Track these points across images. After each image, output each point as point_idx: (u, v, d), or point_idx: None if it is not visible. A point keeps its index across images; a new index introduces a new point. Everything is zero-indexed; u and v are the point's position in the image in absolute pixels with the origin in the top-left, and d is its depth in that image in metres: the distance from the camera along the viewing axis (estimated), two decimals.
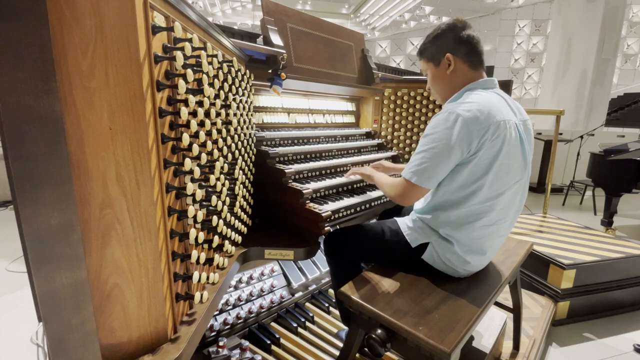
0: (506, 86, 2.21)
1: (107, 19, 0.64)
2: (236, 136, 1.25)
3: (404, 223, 1.29)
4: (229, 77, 1.17)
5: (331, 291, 1.99)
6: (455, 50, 1.19)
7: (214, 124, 0.98)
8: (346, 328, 1.68)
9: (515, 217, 1.25)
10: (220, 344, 1.45)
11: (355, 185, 1.81)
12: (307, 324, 1.73)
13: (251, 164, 1.51)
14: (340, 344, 1.60)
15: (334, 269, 1.45)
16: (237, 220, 1.28)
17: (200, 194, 0.84)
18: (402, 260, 1.27)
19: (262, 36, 1.67)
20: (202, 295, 0.92)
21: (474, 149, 1.07)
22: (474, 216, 1.15)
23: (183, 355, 0.79)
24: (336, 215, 1.50)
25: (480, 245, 1.19)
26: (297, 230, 1.46)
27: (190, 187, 0.81)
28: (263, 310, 1.71)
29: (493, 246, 1.24)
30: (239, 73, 1.29)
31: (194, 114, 0.86)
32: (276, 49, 1.60)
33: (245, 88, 1.41)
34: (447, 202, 1.17)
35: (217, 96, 1.05)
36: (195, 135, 0.85)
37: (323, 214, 1.34)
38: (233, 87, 1.22)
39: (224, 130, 1.06)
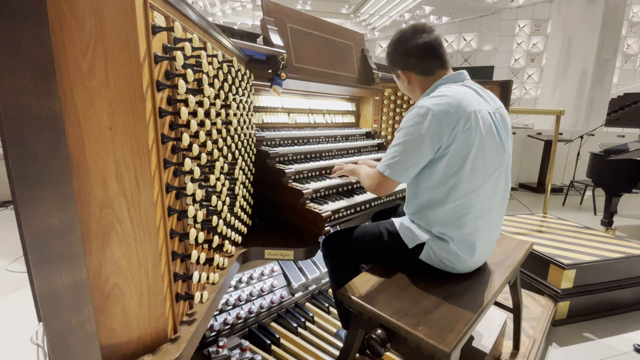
0: (506, 86, 2.22)
1: (107, 19, 0.64)
2: (236, 136, 1.25)
3: (400, 224, 1.29)
4: (229, 77, 1.17)
5: (331, 291, 1.99)
6: (406, 65, 1.24)
7: (214, 124, 0.98)
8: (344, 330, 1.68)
9: (503, 205, 1.26)
10: (220, 344, 1.45)
11: (355, 185, 1.81)
12: (307, 324, 1.73)
13: (251, 164, 1.51)
14: (340, 344, 1.60)
15: (333, 271, 1.45)
16: (237, 220, 1.28)
17: (200, 194, 0.84)
18: (400, 260, 1.27)
19: (262, 36, 1.68)
20: (202, 295, 0.92)
21: (445, 142, 1.08)
22: (461, 211, 1.15)
23: (183, 355, 0.78)
24: (336, 215, 1.50)
25: (474, 239, 1.18)
26: (297, 230, 1.46)
27: (190, 187, 0.81)
28: (263, 310, 1.71)
29: (488, 238, 1.23)
30: (239, 73, 1.29)
31: (194, 114, 0.86)
32: (276, 49, 1.60)
33: (245, 88, 1.41)
34: (432, 200, 1.17)
35: (217, 96, 1.05)
36: (195, 135, 0.85)
37: (323, 214, 1.34)
38: (233, 87, 1.22)
39: (224, 130, 1.06)
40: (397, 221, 1.32)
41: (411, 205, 1.28)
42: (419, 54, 1.20)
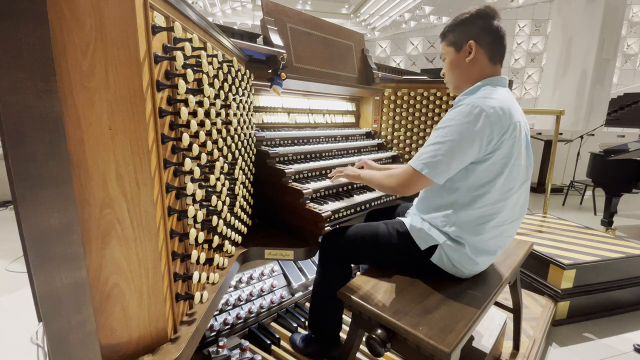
0: None
1: (107, 19, 0.64)
2: (236, 136, 1.25)
3: (411, 224, 1.26)
4: (229, 77, 1.17)
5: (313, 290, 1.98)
6: (480, 39, 1.15)
7: (214, 124, 0.98)
8: (302, 333, 1.60)
9: (521, 217, 1.24)
10: (220, 344, 1.44)
11: (355, 185, 1.81)
12: (308, 324, 1.73)
13: (251, 164, 1.51)
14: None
15: (326, 269, 1.39)
16: (237, 220, 1.28)
17: (200, 194, 0.84)
18: (408, 261, 1.25)
19: (262, 36, 1.68)
20: (202, 295, 0.92)
21: (491, 147, 1.05)
22: (484, 217, 1.13)
23: (183, 355, 0.79)
24: (336, 215, 1.50)
25: (491, 247, 1.18)
26: (297, 230, 1.46)
27: (190, 187, 0.81)
28: (263, 310, 1.71)
29: (501, 247, 1.23)
30: (239, 73, 1.29)
31: (194, 114, 0.86)
32: (276, 49, 1.60)
33: (245, 88, 1.41)
34: (457, 202, 1.15)
35: (217, 96, 1.05)
36: (195, 135, 0.85)
37: (323, 214, 1.34)
38: (233, 87, 1.22)
39: (224, 130, 1.06)
40: (407, 221, 1.29)
41: (428, 205, 1.24)
42: (495, 36, 1.14)
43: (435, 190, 1.21)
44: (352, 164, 1.86)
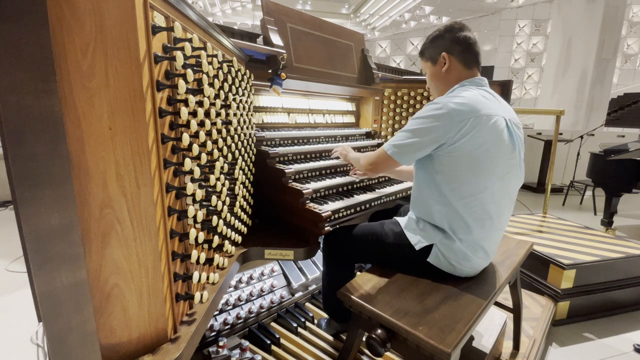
0: (506, 86, 2.22)
1: (107, 19, 0.64)
2: (236, 136, 1.25)
3: (406, 224, 1.30)
4: (229, 77, 1.17)
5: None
6: (451, 50, 1.27)
7: (214, 124, 0.98)
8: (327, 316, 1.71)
9: (510, 210, 1.27)
10: (220, 344, 1.44)
11: (355, 185, 1.81)
12: (307, 324, 1.73)
13: (251, 164, 1.51)
14: (327, 336, 1.63)
15: (330, 268, 1.45)
16: (237, 220, 1.28)
17: (200, 194, 0.84)
18: (405, 261, 1.27)
19: (262, 36, 1.68)
20: (202, 295, 0.92)
21: (452, 138, 1.12)
22: (470, 210, 1.16)
23: (183, 355, 0.79)
24: (336, 215, 1.50)
25: (482, 243, 1.20)
26: (297, 230, 1.46)
27: (190, 187, 0.81)
28: (263, 310, 1.71)
29: (493, 242, 1.25)
30: (239, 73, 1.29)
31: (194, 114, 0.86)
32: (276, 49, 1.60)
33: (245, 88, 1.41)
34: (443, 197, 1.19)
35: (217, 96, 1.05)
36: (195, 135, 0.85)
37: (323, 214, 1.34)
38: (233, 87, 1.22)
39: (224, 130, 1.06)
40: (402, 221, 1.33)
41: (418, 201, 1.29)
42: (464, 45, 1.26)
43: (420, 186, 1.28)
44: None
